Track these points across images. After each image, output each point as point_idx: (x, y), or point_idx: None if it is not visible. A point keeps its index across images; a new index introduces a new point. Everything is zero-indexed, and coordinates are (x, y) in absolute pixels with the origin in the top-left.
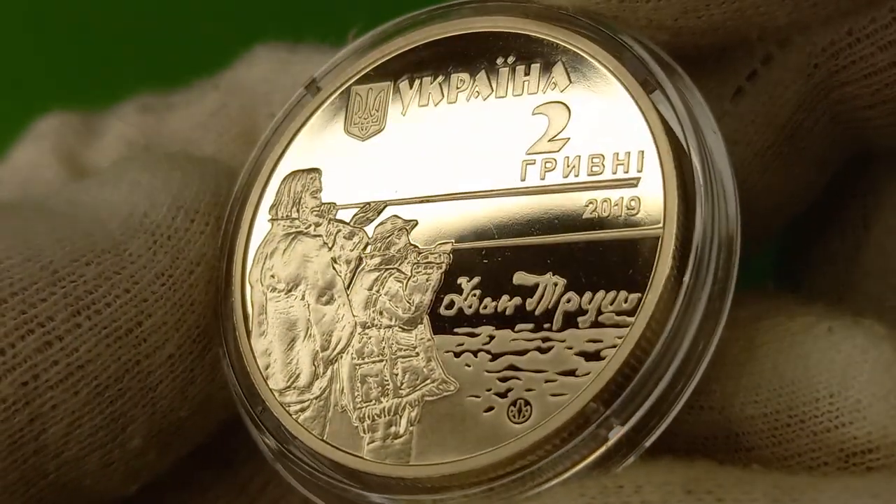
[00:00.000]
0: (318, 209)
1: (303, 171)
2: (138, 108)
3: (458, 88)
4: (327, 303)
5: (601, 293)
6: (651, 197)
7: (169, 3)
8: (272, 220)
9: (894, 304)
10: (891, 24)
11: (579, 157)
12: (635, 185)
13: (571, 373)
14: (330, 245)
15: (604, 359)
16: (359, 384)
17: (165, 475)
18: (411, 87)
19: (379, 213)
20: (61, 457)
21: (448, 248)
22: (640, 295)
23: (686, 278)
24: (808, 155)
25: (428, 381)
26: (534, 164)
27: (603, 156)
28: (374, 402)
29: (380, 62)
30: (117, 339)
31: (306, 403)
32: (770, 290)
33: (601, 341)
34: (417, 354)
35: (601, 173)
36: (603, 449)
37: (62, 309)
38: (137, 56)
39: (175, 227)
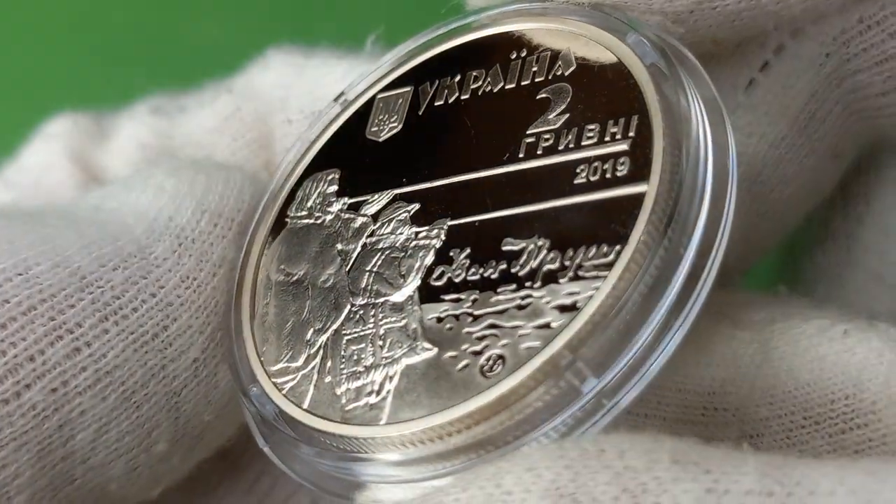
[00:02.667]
0: (332, 203)
1: (322, 172)
2: (150, 110)
3: (472, 84)
4: (331, 287)
5: (582, 248)
6: (638, 158)
7: (176, 3)
8: (290, 218)
9: (894, 281)
10: None
11: (576, 128)
12: (626, 149)
13: (546, 325)
14: (337, 235)
15: (579, 309)
16: (343, 354)
17: None
18: (431, 88)
19: (388, 201)
20: (88, 462)
21: (444, 224)
22: (619, 247)
23: (668, 232)
24: (822, 146)
25: (407, 346)
26: (533, 140)
27: (599, 125)
28: (357, 371)
29: (404, 72)
30: (143, 343)
31: (294, 377)
32: (783, 293)
33: (578, 293)
34: (406, 324)
35: (595, 140)
36: (578, 403)
37: (90, 315)
38: (144, 57)
39: (199, 231)
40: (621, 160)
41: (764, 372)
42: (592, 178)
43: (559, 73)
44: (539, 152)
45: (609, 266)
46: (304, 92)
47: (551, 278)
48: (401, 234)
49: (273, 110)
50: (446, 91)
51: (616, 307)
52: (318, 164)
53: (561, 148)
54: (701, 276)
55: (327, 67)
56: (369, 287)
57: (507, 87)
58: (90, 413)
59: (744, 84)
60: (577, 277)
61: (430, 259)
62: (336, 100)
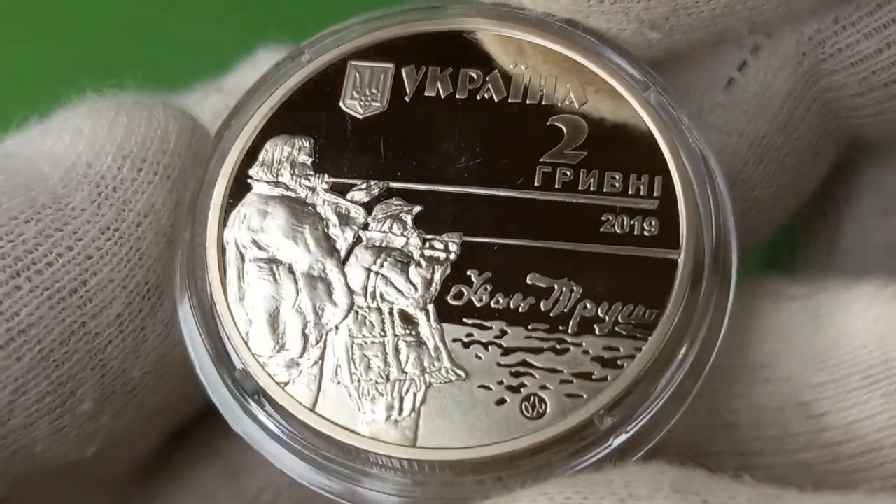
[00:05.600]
0: (309, 177)
1: (292, 136)
2: None
3: (468, 85)
4: (320, 275)
5: (618, 304)
6: (667, 222)
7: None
8: (254, 180)
9: None
10: (875, 12)
11: (596, 171)
12: (653, 208)
13: (587, 376)
14: (323, 217)
15: (621, 367)
16: (357, 359)
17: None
18: (417, 72)
19: (380, 192)
20: (7, 425)
21: (458, 239)
22: (657, 311)
23: (700, 297)
24: (803, 144)
25: (436, 366)
26: (549, 170)
27: (620, 174)
28: (374, 379)
29: (382, 42)
30: (61, 300)
31: (296, 373)
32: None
33: (618, 350)
34: (423, 339)
35: (620, 192)
36: (604, 452)
37: (0, 271)
38: (135, 57)
39: (121, 178)
40: (650, 220)
41: (817, 338)
42: (619, 231)
43: (569, 103)
44: (558, 186)
45: (648, 328)
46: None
47: (587, 328)
48: (404, 236)
49: None
50: (438, 84)
51: (657, 371)
52: (284, 126)
53: (581, 188)
54: (720, 330)
55: None
56: (373, 289)
57: (512, 101)
58: (4, 374)
59: (722, 83)
60: (614, 333)
61: (445, 274)
62: (297, 56)
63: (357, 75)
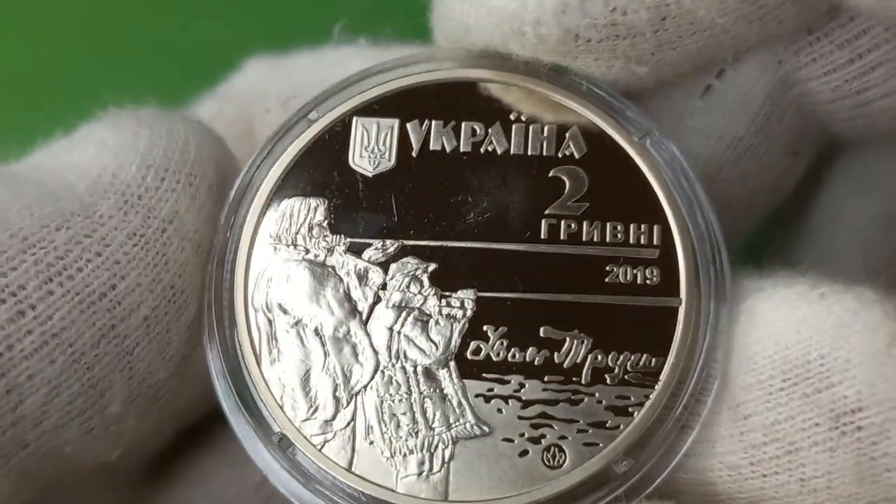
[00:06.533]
0: (326, 238)
1: (306, 197)
2: None
3: (471, 138)
4: (345, 337)
5: (626, 353)
6: (667, 270)
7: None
8: (274, 244)
9: (839, 267)
10: (847, 24)
11: (599, 223)
12: (654, 257)
13: (602, 424)
14: (342, 278)
15: (632, 414)
16: (387, 419)
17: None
18: (421, 127)
19: (396, 251)
20: (40, 427)
21: (473, 295)
22: (663, 359)
23: (700, 338)
24: (779, 145)
25: (461, 421)
26: (555, 223)
27: (623, 225)
28: (405, 437)
29: (384, 96)
30: (91, 304)
31: (330, 435)
32: (765, 264)
33: (629, 398)
34: (446, 395)
35: (622, 242)
36: (620, 491)
37: (33, 277)
38: (143, 57)
39: (146, 186)
40: (651, 269)
41: (749, 340)
42: (623, 281)
43: (569, 153)
44: (563, 238)
45: (655, 374)
46: (280, 84)
47: (599, 378)
48: (422, 294)
49: (254, 105)
50: (442, 137)
51: (665, 412)
52: (297, 186)
53: (585, 240)
54: (715, 367)
55: (302, 61)
56: (396, 348)
57: (514, 152)
58: (38, 377)
59: (700, 90)
60: (624, 382)
61: (463, 331)
62: (304, 114)
63: (364, 131)
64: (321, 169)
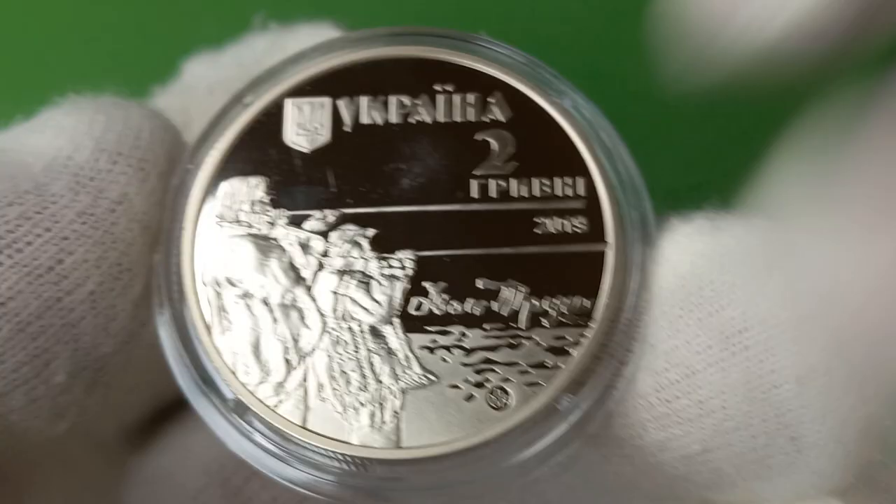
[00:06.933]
0: (269, 214)
1: (246, 176)
2: None
3: (400, 110)
4: (292, 303)
5: (560, 297)
6: (594, 218)
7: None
8: (218, 223)
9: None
10: None
11: (527, 179)
12: (580, 207)
13: (542, 365)
14: (285, 248)
15: (569, 353)
16: (337, 376)
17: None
18: (352, 103)
19: (335, 220)
20: None
21: (412, 255)
22: (595, 300)
23: (628, 279)
24: None
25: (408, 373)
26: (485, 182)
27: (549, 180)
28: (355, 392)
29: (315, 77)
30: (38, 276)
31: (284, 396)
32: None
33: (566, 338)
34: (392, 350)
35: (549, 196)
36: (564, 429)
37: None
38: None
39: (98, 169)
40: (579, 218)
41: (656, 276)
42: (553, 231)
43: (494, 117)
44: (493, 196)
45: (589, 316)
46: (211, 75)
47: (536, 322)
48: (363, 258)
49: (190, 97)
50: (373, 111)
51: (601, 350)
52: (237, 168)
53: (514, 196)
54: (645, 297)
55: (227, 51)
56: (342, 310)
57: (441, 120)
58: None
59: None
60: (560, 324)
61: (405, 289)
62: (239, 100)
63: (298, 111)
64: (259, 149)
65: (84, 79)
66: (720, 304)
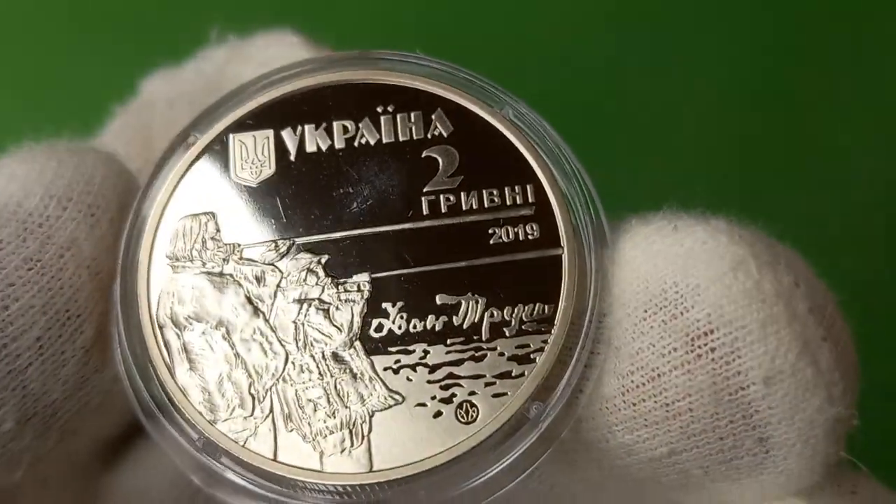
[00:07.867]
0: (221, 249)
1: (196, 214)
2: None
3: (343, 135)
4: (252, 336)
5: (519, 306)
6: (546, 224)
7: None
8: (171, 263)
9: None
10: None
11: (476, 192)
12: (531, 213)
13: (507, 375)
14: (241, 283)
15: (534, 361)
16: (304, 405)
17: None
18: (295, 133)
19: (288, 249)
20: None
21: (367, 277)
22: (555, 305)
23: (587, 280)
24: None
25: (374, 395)
26: (434, 199)
27: (497, 190)
28: (323, 419)
29: (256, 111)
30: None
31: (251, 430)
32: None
33: (528, 346)
34: (356, 373)
35: (499, 205)
36: (537, 436)
37: None
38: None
39: (47, 215)
40: (531, 225)
41: (617, 278)
42: (507, 240)
43: (438, 133)
44: (444, 211)
45: (550, 320)
46: (167, 90)
47: (498, 332)
48: (319, 285)
49: (148, 113)
50: (316, 139)
51: (566, 354)
52: (186, 205)
53: (465, 209)
54: (602, 299)
55: (184, 67)
56: (303, 338)
57: (385, 141)
58: None
59: None
60: (522, 332)
61: (363, 312)
62: (184, 139)
63: (242, 146)
64: (206, 187)
65: (38, 106)
66: (684, 305)
